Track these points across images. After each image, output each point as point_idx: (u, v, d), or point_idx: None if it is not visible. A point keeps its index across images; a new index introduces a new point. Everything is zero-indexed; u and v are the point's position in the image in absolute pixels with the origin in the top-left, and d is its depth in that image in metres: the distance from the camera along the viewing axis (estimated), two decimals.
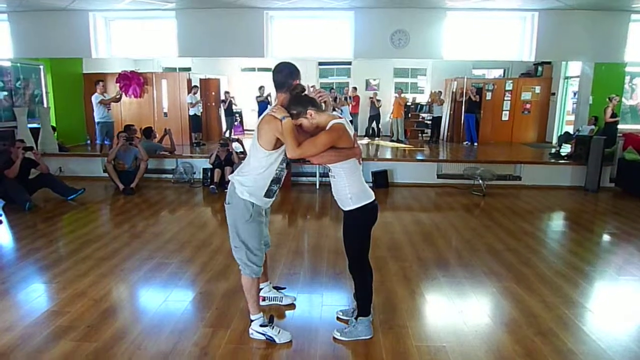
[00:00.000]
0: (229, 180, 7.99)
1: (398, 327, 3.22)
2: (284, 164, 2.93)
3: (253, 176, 2.87)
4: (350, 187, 2.85)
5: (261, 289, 3.37)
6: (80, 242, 4.99)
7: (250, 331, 3.09)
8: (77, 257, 4.53)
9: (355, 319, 3.10)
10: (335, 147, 2.74)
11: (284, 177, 3.00)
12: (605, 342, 3.05)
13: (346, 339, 3.03)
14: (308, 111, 2.72)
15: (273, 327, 3.05)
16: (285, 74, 2.85)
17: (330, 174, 2.91)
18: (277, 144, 2.79)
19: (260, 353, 2.90)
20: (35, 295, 3.73)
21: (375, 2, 8.02)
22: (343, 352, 2.92)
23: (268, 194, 2.92)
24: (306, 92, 2.87)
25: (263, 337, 3.03)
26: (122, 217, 6.09)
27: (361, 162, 2.93)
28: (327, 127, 2.74)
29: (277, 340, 3.00)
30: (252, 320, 3.09)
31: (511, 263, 4.49)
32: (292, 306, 3.50)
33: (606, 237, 5.72)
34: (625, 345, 3.03)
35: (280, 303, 3.51)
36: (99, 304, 3.53)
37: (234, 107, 13.11)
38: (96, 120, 9.70)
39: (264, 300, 3.47)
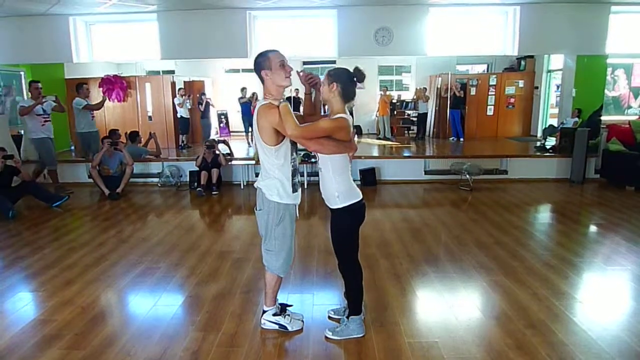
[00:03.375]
0: (216, 183, 7.94)
1: (390, 324, 3.22)
2: (295, 154, 2.94)
3: (275, 178, 2.87)
4: (337, 185, 2.83)
5: (282, 304, 3.27)
6: (66, 249, 4.92)
7: (263, 321, 3.17)
8: (63, 264, 4.47)
9: (347, 317, 3.08)
10: (332, 138, 2.73)
11: (298, 167, 3.00)
12: (595, 332, 3.08)
13: (338, 338, 3.02)
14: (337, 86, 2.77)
15: (285, 316, 3.15)
16: (256, 65, 2.82)
17: (318, 166, 2.90)
18: (279, 135, 2.77)
19: (252, 355, 2.87)
20: (22, 304, 3.67)
21: (358, 0, 8.01)
22: (335, 351, 2.91)
23: (294, 188, 2.93)
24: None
25: (276, 326, 3.15)
26: (108, 223, 6.01)
27: (351, 160, 2.92)
28: (333, 117, 2.76)
29: (289, 328, 3.13)
30: (264, 312, 3.17)
31: (500, 256, 4.52)
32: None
33: (593, 228, 5.78)
34: (615, 334, 3.06)
35: None
36: (86, 311, 3.48)
37: (211, 108, 12.83)
38: (79, 130, 8.37)
39: None
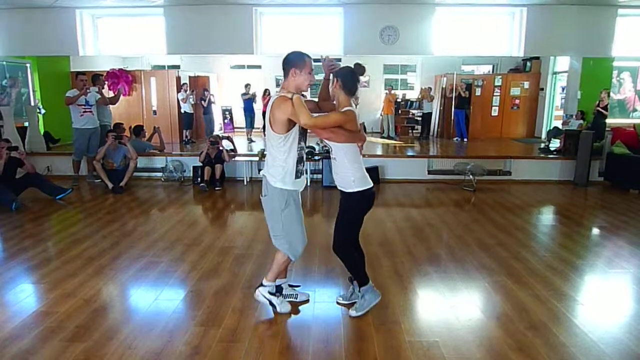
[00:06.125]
0: (219, 178, 7.95)
1: (390, 323, 3.22)
2: (303, 143, 3.14)
3: (280, 165, 3.05)
4: (354, 171, 3.09)
5: (278, 285, 3.41)
6: (69, 242, 4.94)
7: (257, 292, 3.35)
8: (65, 256, 4.48)
9: (359, 291, 3.30)
10: (343, 128, 2.99)
11: (305, 156, 3.20)
12: (597, 334, 3.07)
13: (362, 312, 3.25)
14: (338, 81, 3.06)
15: (278, 297, 3.31)
16: (288, 61, 3.00)
17: (331, 155, 3.15)
18: (290, 125, 2.97)
19: (252, 351, 2.88)
20: (24, 296, 3.68)
21: None
22: (336, 349, 2.91)
23: (298, 175, 3.12)
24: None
25: (266, 301, 3.33)
26: (111, 216, 6.03)
27: (361, 150, 3.15)
28: (342, 110, 3.01)
29: (278, 309, 3.31)
30: (262, 285, 3.34)
31: (502, 257, 4.51)
32: (307, 302, 3.55)
33: (596, 231, 5.76)
34: (616, 337, 3.05)
35: (295, 300, 3.54)
36: (88, 303, 3.50)
37: (213, 105, 12.73)
38: (104, 122, 8.23)
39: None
